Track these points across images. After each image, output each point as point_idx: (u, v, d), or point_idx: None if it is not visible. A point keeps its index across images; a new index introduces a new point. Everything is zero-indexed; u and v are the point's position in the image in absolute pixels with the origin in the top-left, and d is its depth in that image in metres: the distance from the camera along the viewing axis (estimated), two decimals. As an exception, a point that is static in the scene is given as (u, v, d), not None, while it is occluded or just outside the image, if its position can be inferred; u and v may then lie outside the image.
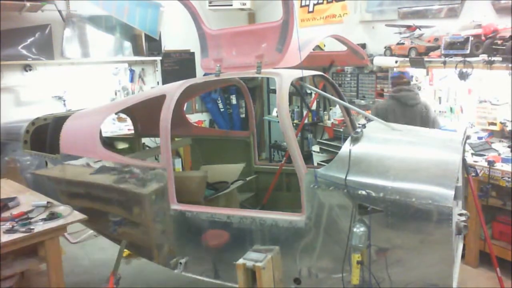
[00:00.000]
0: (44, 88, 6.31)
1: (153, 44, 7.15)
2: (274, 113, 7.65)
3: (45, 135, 4.15)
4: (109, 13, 6.58)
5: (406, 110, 4.47)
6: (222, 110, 8.11)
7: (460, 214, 2.80)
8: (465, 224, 2.65)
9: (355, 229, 2.47)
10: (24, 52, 6.09)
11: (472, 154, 4.34)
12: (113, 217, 3.57)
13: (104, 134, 4.94)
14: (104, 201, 3.60)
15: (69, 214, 3.10)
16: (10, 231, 2.82)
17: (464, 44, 4.47)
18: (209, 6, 7.31)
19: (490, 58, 4.29)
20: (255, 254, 2.71)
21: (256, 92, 8.31)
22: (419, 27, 5.19)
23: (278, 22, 2.90)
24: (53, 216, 3.04)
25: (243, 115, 8.15)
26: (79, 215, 3.12)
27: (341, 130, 6.09)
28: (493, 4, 4.67)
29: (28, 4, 5.61)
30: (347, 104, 3.63)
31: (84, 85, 6.60)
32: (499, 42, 4.25)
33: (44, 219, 3.00)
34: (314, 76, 3.41)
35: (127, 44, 7.06)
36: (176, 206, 3.17)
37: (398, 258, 2.54)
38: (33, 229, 2.86)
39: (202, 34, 3.41)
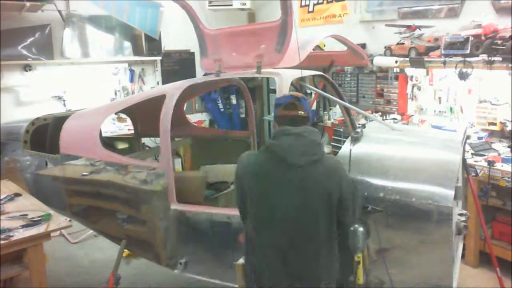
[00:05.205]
0: (44, 88, 6.30)
1: (153, 44, 7.14)
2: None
3: (45, 135, 4.15)
4: (109, 13, 6.58)
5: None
6: (222, 110, 8.10)
7: (460, 214, 2.80)
8: (465, 224, 2.65)
9: (352, 229, 2.46)
10: (24, 52, 6.08)
11: (472, 154, 4.33)
12: (120, 215, 3.53)
13: (104, 134, 4.94)
14: (108, 198, 3.59)
15: (52, 221, 2.96)
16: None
17: (464, 44, 4.46)
18: (209, 6, 7.31)
19: (490, 58, 4.29)
20: (255, 254, 2.70)
21: (256, 92, 8.30)
22: (419, 27, 5.19)
23: (277, 21, 2.90)
24: (34, 223, 2.91)
25: (243, 115, 8.14)
26: (63, 222, 2.98)
27: (341, 130, 6.09)
28: (493, 4, 4.66)
29: (28, 4, 5.60)
30: (347, 104, 3.63)
31: (84, 85, 6.59)
32: (499, 42, 4.25)
33: (24, 226, 2.87)
34: (314, 76, 3.41)
35: (127, 44, 7.05)
36: (176, 206, 3.17)
37: (398, 258, 2.54)
38: (12, 236, 2.74)
39: (200, 34, 3.41)
